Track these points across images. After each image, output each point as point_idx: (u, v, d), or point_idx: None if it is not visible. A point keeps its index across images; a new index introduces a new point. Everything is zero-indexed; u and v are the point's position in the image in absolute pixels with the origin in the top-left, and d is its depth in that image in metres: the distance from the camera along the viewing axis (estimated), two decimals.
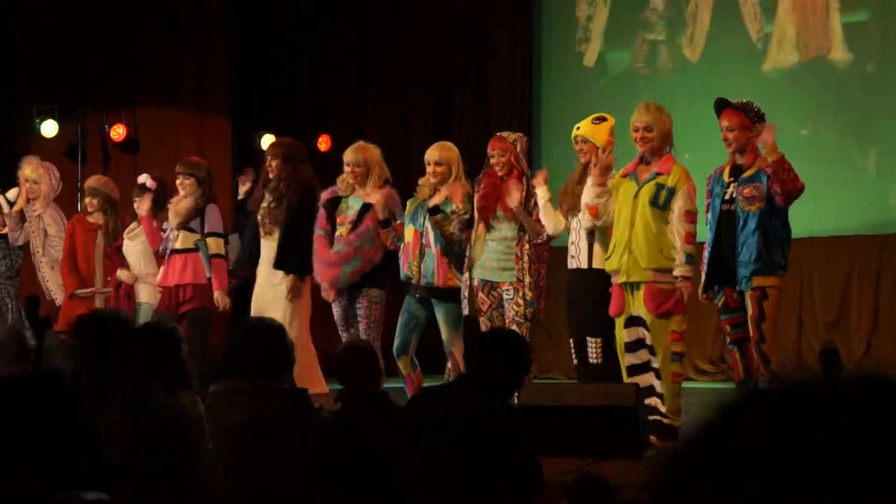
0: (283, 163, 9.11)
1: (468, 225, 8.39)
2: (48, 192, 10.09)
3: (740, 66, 12.65)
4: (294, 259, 9.01)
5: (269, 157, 9.22)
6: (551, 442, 6.81)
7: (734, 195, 7.52)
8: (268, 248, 9.14)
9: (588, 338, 7.90)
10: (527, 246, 8.22)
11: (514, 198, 8.15)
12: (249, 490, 5.60)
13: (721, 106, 7.65)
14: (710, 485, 1.16)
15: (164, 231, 9.43)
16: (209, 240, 9.32)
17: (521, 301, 8.21)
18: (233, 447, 5.63)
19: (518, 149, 8.38)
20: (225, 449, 5.67)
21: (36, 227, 9.97)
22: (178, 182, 9.39)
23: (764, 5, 12.73)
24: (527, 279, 8.19)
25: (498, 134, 8.59)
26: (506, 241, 8.29)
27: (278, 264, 9.11)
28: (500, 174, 8.36)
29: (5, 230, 9.94)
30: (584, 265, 7.96)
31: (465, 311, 8.40)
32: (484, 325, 8.36)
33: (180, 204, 9.33)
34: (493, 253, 8.33)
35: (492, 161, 8.40)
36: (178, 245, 9.32)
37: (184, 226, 9.31)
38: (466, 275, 8.39)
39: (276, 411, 5.60)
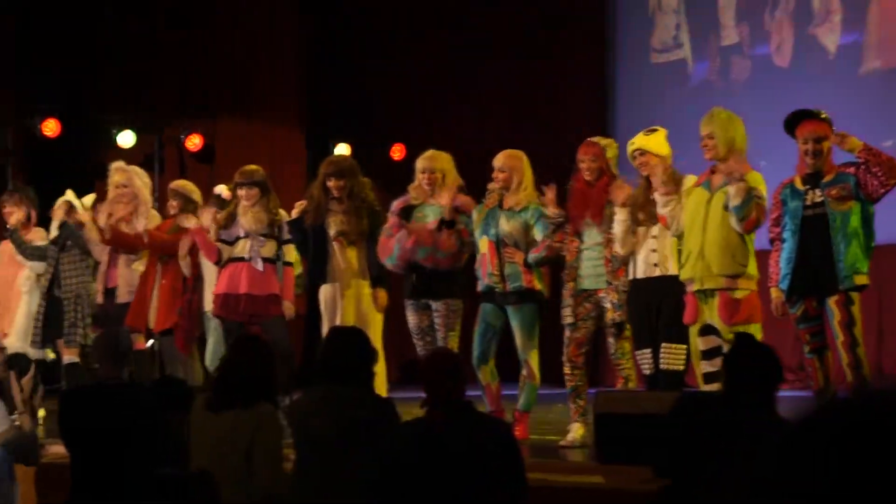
0: (348, 179, 9.11)
1: (559, 229, 8.38)
2: (143, 193, 10.10)
3: (820, 73, 12.53)
4: (385, 273, 9.05)
5: (329, 178, 9.12)
6: (630, 450, 6.79)
7: (819, 199, 7.47)
8: (347, 259, 9.15)
9: (665, 344, 7.86)
10: (612, 250, 8.19)
11: (618, 197, 8.10)
12: (332, 496, 5.64)
13: (800, 117, 7.60)
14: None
15: (222, 241, 9.37)
16: (285, 247, 9.35)
17: (609, 306, 8.20)
18: (317, 454, 5.67)
19: (609, 155, 8.36)
20: (309, 455, 5.71)
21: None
22: (241, 192, 9.33)
23: (847, 12, 12.61)
24: (615, 282, 8.17)
25: (589, 139, 8.57)
26: (598, 247, 8.28)
27: (376, 280, 9.10)
28: (587, 179, 8.34)
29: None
30: (673, 272, 7.88)
31: (568, 321, 8.39)
32: (565, 334, 8.35)
33: (250, 214, 9.32)
34: (588, 261, 8.33)
35: (582, 167, 8.39)
36: (247, 254, 9.31)
37: (271, 234, 9.30)
38: (570, 284, 8.38)
39: (361, 420, 5.64)
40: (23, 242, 10.03)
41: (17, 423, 6.40)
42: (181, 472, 5.97)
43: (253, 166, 9.65)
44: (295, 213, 9.33)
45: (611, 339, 8.31)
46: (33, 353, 9.94)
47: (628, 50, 14.00)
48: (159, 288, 9.77)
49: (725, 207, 7.46)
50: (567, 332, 8.36)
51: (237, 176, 9.42)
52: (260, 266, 9.21)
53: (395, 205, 9.03)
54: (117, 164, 10.31)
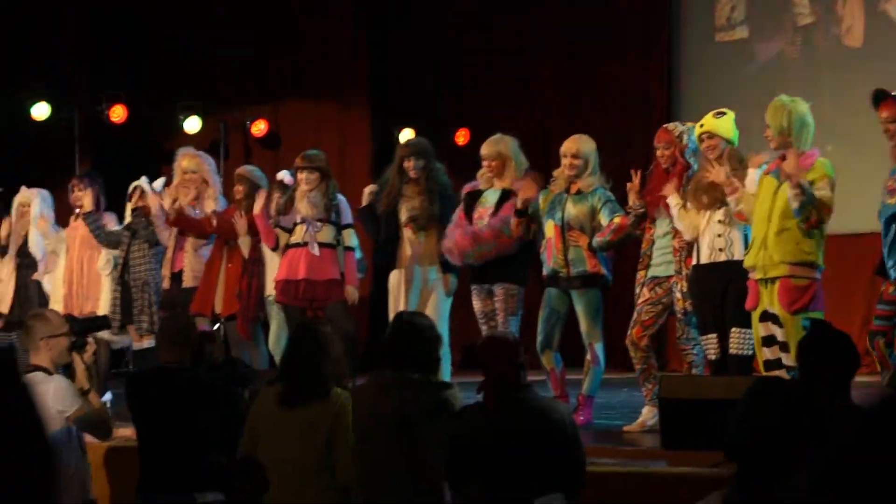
0: (426, 160, 9.14)
1: (642, 219, 8.35)
2: (211, 178, 10.15)
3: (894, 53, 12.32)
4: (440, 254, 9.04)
5: (408, 158, 9.18)
6: (695, 435, 6.75)
7: None
8: (417, 244, 9.16)
9: (734, 329, 7.79)
10: (679, 240, 8.14)
11: (668, 187, 8.05)
12: (395, 480, 5.65)
13: (880, 97, 7.50)
14: None
15: (281, 227, 9.40)
16: (344, 232, 9.34)
17: (679, 295, 8.16)
18: (381, 438, 5.67)
19: (684, 142, 8.29)
20: (373, 440, 5.71)
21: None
22: (301, 176, 9.35)
23: None
24: (685, 271, 8.13)
25: (664, 126, 8.53)
26: (668, 235, 8.24)
27: (445, 265, 9.11)
28: (664, 166, 8.29)
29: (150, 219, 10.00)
30: (739, 257, 7.81)
31: (638, 304, 8.38)
32: (634, 316, 8.33)
33: (313, 198, 9.34)
34: (659, 249, 8.29)
35: (657, 154, 8.35)
36: (307, 239, 9.31)
37: (316, 219, 9.31)
38: (642, 273, 8.35)
39: (424, 404, 5.65)
40: (99, 227, 10.09)
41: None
42: (228, 460, 6.01)
43: (315, 151, 9.67)
44: (365, 199, 9.34)
45: (677, 325, 8.27)
46: (113, 339, 10.00)
47: (692, 29, 13.85)
48: (225, 272, 9.80)
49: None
50: (634, 316, 8.33)
51: (298, 160, 9.44)
52: (316, 251, 9.22)
53: (465, 189, 9.07)
54: (185, 150, 10.35)
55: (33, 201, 10.54)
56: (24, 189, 10.67)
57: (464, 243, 8.76)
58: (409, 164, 9.13)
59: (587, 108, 14.03)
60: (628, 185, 8.36)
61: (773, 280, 7.40)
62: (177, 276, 9.96)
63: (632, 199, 8.33)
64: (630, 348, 8.34)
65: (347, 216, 9.37)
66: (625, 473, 6.80)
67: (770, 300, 7.41)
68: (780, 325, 7.35)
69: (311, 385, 5.69)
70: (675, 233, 8.16)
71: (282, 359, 6.32)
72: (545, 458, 5.34)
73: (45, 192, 10.69)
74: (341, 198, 9.42)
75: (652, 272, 8.33)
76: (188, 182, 9.99)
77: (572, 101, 14.25)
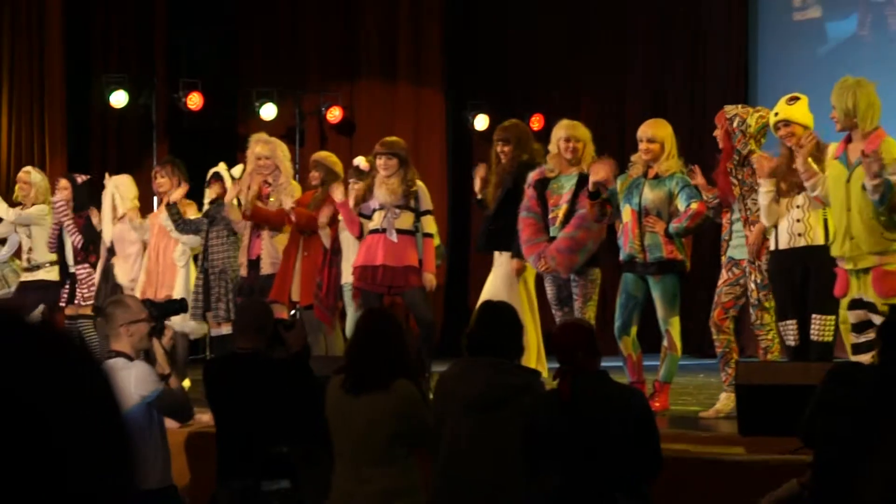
0: (516, 147, 9.17)
1: (719, 210, 8.31)
2: (284, 164, 10.18)
3: None
4: (514, 240, 9.02)
5: (498, 143, 9.25)
6: (772, 421, 6.71)
7: None
8: None
9: (815, 315, 7.73)
10: (749, 229, 8.09)
11: (761, 168, 7.98)
12: (479, 466, 5.66)
13: None
14: None
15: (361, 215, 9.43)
16: (423, 218, 9.31)
17: (752, 285, 8.11)
18: (464, 424, 5.68)
19: (735, 124, 8.22)
20: (456, 425, 5.71)
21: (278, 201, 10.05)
22: (380, 162, 9.33)
23: None
24: (758, 262, 8.07)
25: (724, 107, 8.47)
26: (739, 220, 8.21)
27: (491, 245, 9.16)
28: (721, 147, 8.25)
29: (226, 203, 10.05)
30: (819, 242, 7.75)
31: (718, 285, 8.36)
32: (717, 298, 8.29)
33: (388, 185, 9.35)
34: (735, 232, 8.26)
35: (714, 134, 8.32)
36: (385, 225, 9.33)
37: (395, 205, 9.33)
38: (724, 258, 8.33)
39: (508, 389, 5.64)
40: (179, 216, 10.16)
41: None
42: (291, 449, 6.04)
43: (394, 137, 9.69)
44: (477, 182, 9.42)
45: (751, 310, 8.21)
46: (194, 327, 10.07)
47: (769, 9, 13.73)
48: (302, 261, 9.83)
49: (864, 186, 7.27)
50: (714, 298, 8.29)
51: (377, 146, 9.44)
52: (394, 237, 9.22)
53: (532, 177, 8.99)
54: (258, 136, 10.38)
55: (108, 188, 10.65)
56: (106, 176, 10.77)
57: (569, 260, 8.71)
58: (499, 150, 9.24)
59: (667, 93, 13.96)
60: (691, 174, 8.32)
61: (864, 270, 7.32)
62: (254, 263, 9.99)
63: (705, 195, 8.29)
64: (713, 330, 8.30)
65: (427, 203, 9.36)
66: (701, 460, 6.77)
67: (863, 289, 7.33)
68: (879, 313, 7.27)
69: (373, 374, 5.66)
70: (745, 222, 8.11)
71: (346, 346, 6.32)
72: (621, 444, 5.33)
73: (121, 181, 10.77)
74: (420, 184, 9.42)
75: (730, 253, 8.29)
76: (261, 168, 10.01)
77: (648, 86, 14.18)
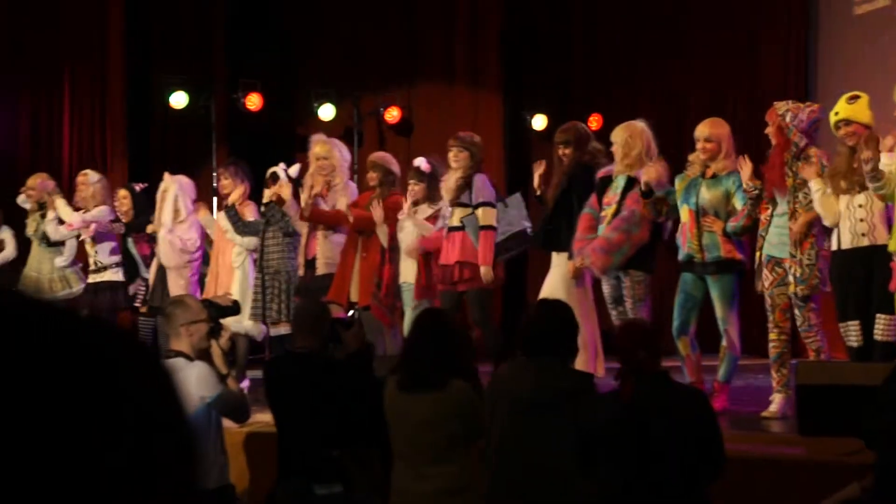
0: (576, 149, 9.16)
1: (758, 201, 8.24)
2: (341, 165, 10.22)
3: None
4: (571, 240, 8.99)
5: (560, 146, 9.25)
6: (833, 422, 6.66)
7: None
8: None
9: (880, 315, 7.67)
10: (794, 221, 8.03)
11: (809, 171, 7.94)
12: (531, 466, 5.65)
13: None
14: None
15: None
16: (479, 210, 9.25)
17: (791, 278, 8.05)
18: (518, 424, 5.68)
19: (787, 119, 8.16)
20: (510, 425, 5.72)
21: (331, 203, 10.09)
22: (451, 155, 9.38)
23: None
24: (799, 255, 8.01)
25: (774, 103, 8.40)
26: (786, 214, 8.13)
27: (549, 245, 9.16)
28: (773, 142, 8.19)
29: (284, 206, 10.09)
30: (883, 241, 7.69)
31: (759, 289, 8.29)
32: (767, 301, 8.23)
33: (450, 180, 9.37)
34: (775, 228, 8.18)
35: (767, 131, 8.26)
36: (453, 222, 9.35)
37: (456, 201, 9.33)
38: (758, 254, 8.27)
39: (562, 391, 5.64)
40: (238, 219, 10.21)
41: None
42: (342, 454, 6.05)
43: (469, 132, 9.76)
44: (536, 178, 9.40)
45: (796, 312, 8.13)
46: (251, 327, 10.11)
47: (829, 5, 13.61)
48: (360, 262, 9.85)
49: None
50: (768, 301, 8.23)
51: (451, 140, 9.50)
52: (445, 235, 9.31)
53: (600, 174, 9.02)
54: (317, 136, 10.43)
55: (170, 188, 10.68)
56: (166, 175, 10.82)
57: (602, 261, 8.67)
58: (560, 151, 9.23)
59: (726, 92, 13.88)
60: (741, 167, 8.26)
61: None
62: (311, 263, 10.05)
63: (745, 185, 8.22)
64: (773, 332, 8.23)
65: (485, 195, 9.32)
66: (762, 460, 6.74)
67: None
68: None
69: (428, 373, 5.67)
70: (792, 214, 8.05)
71: (402, 345, 6.35)
72: (683, 445, 5.31)
73: (184, 180, 10.83)
74: (481, 177, 9.39)
75: (769, 251, 8.20)
76: (321, 169, 10.07)
77: (707, 86, 14.11)
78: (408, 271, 9.67)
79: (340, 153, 10.24)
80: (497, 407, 5.78)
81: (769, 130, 8.22)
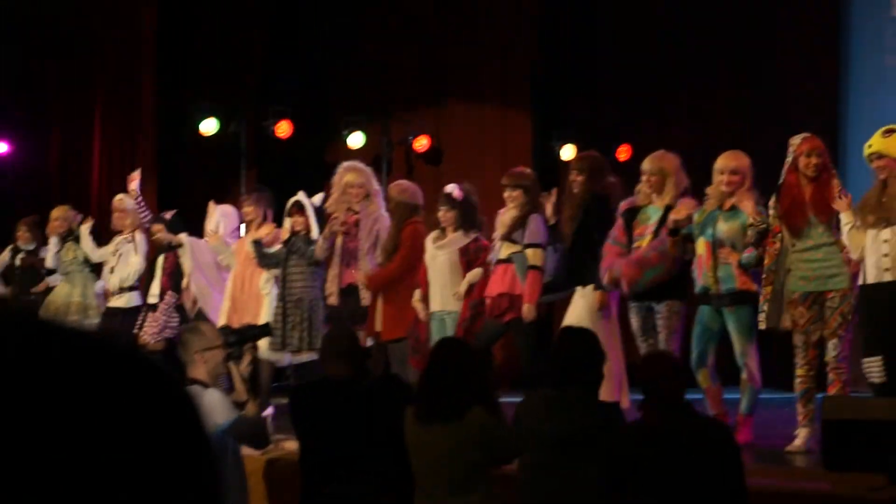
0: (588, 178, 9.12)
1: (764, 236, 8.22)
2: (376, 191, 10.23)
3: None
4: (595, 272, 8.95)
5: (573, 172, 9.25)
6: (859, 457, 6.63)
7: None
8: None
9: None
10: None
11: (842, 204, 7.93)
12: (559, 498, 5.64)
13: None
14: None
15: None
16: (528, 251, 9.22)
17: (843, 312, 8.02)
18: (544, 456, 5.67)
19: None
20: (536, 457, 5.71)
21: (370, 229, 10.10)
22: (505, 194, 9.38)
23: None
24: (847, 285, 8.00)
25: (810, 134, 8.36)
26: (825, 247, 8.10)
27: (576, 279, 9.11)
28: (810, 175, 8.14)
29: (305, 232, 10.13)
30: None
31: (762, 326, 8.25)
32: (800, 339, 8.18)
33: (506, 215, 9.36)
34: (813, 261, 8.15)
35: (801, 163, 8.18)
36: (501, 255, 9.35)
37: (508, 237, 9.34)
38: (767, 289, 8.22)
39: (588, 424, 5.61)
40: (263, 253, 10.21)
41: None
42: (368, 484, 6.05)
43: (522, 168, 9.79)
44: (548, 208, 9.33)
45: (835, 341, 8.09)
46: (274, 355, 10.13)
47: (861, 49, 13.60)
48: (386, 294, 9.88)
49: None
50: (801, 338, 8.16)
51: (503, 178, 9.52)
52: (492, 268, 9.34)
53: (622, 206, 8.97)
54: (349, 163, 10.43)
55: (212, 216, 10.74)
56: (211, 204, 10.86)
57: (633, 273, 8.65)
58: (572, 178, 9.18)
59: (754, 124, 13.86)
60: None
61: None
62: (345, 291, 10.06)
63: (751, 218, 8.20)
64: (803, 368, 8.18)
65: (538, 238, 9.28)
66: (787, 494, 6.71)
67: None
68: None
69: (444, 403, 5.65)
70: (839, 243, 8.03)
71: (420, 377, 6.32)
72: (708, 476, 5.30)
73: (227, 208, 10.87)
74: (537, 218, 9.31)
75: (806, 287, 8.14)
76: (350, 196, 10.07)
77: (736, 118, 14.09)
78: (447, 300, 9.68)
79: (372, 183, 10.25)
80: (528, 437, 5.75)
81: (816, 161, 8.14)
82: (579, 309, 9.09)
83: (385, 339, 9.79)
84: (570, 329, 6.32)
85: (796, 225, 8.12)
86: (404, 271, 9.82)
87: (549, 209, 9.41)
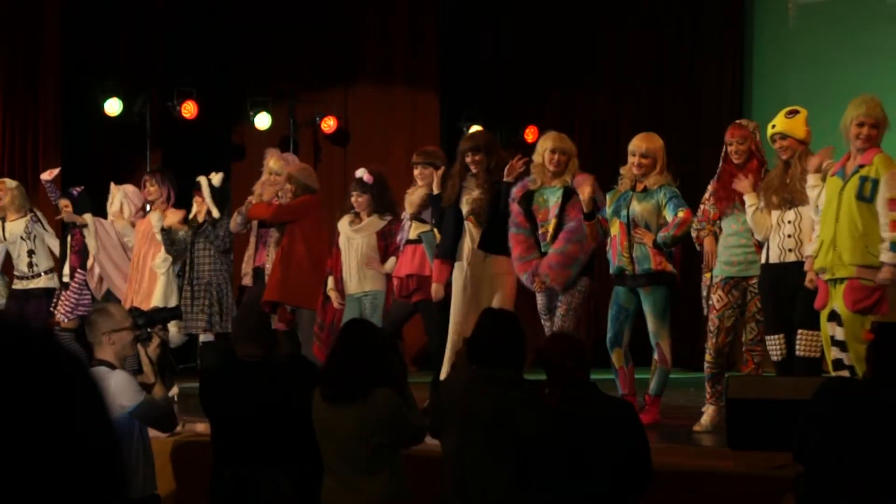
0: (485, 154, 9.02)
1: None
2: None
3: None
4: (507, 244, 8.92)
5: (469, 153, 9.07)
6: (762, 436, 6.71)
7: None
8: (476, 239, 9.09)
9: (802, 330, 7.75)
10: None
11: (744, 185, 8.02)
12: (483, 476, 5.62)
13: None
14: None
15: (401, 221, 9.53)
16: (436, 230, 9.23)
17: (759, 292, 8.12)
18: (469, 435, 5.65)
19: (758, 137, 8.26)
20: (460, 436, 5.69)
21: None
22: (416, 172, 9.37)
23: None
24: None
25: (737, 122, 8.48)
26: (748, 232, 8.16)
27: (491, 247, 8.99)
28: (736, 162, 8.22)
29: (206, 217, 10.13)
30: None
31: (706, 312, 8.35)
32: (713, 322, 8.28)
33: (415, 194, 9.35)
34: (736, 247, 8.23)
35: (730, 149, 8.27)
36: (411, 235, 9.35)
37: (417, 216, 9.34)
38: (707, 275, 8.31)
39: (514, 402, 5.60)
40: (169, 241, 10.12)
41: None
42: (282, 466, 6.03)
43: (432, 147, 9.74)
44: (435, 186, 9.25)
45: (752, 325, 8.21)
46: (174, 335, 10.09)
47: (765, 31, 13.76)
48: (277, 255, 9.94)
49: (857, 196, 7.27)
50: (716, 322, 8.24)
51: (414, 156, 9.52)
52: (402, 248, 9.34)
53: (515, 192, 8.83)
54: (273, 150, 10.58)
55: (114, 197, 10.70)
56: (112, 186, 10.80)
57: (562, 275, 8.61)
58: (469, 160, 9.02)
59: (660, 106, 13.96)
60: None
61: (840, 280, 7.35)
62: (259, 272, 10.07)
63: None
64: (711, 353, 8.27)
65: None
66: (691, 473, 6.78)
67: (836, 300, 7.36)
68: (842, 325, 7.31)
69: (348, 384, 5.65)
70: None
71: (326, 357, 6.30)
72: (610, 457, 5.33)
73: (129, 188, 10.80)
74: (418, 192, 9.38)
75: (726, 272, 8.25)
76: (274, 183, 10.12)
77: (644, 100, 14.18)
78: (364, 280, 9.65)
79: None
80: (450, 417, 5.74)
81: (739, 148, 8.21)
82: (484, 284, 9.01)
83: (286, 303, 9.80)
84: (491, 311, 6.30)
85: (721, 210, 8.23)
86: (280, 216, 9.88)
87: (436, 182, 9.27)
